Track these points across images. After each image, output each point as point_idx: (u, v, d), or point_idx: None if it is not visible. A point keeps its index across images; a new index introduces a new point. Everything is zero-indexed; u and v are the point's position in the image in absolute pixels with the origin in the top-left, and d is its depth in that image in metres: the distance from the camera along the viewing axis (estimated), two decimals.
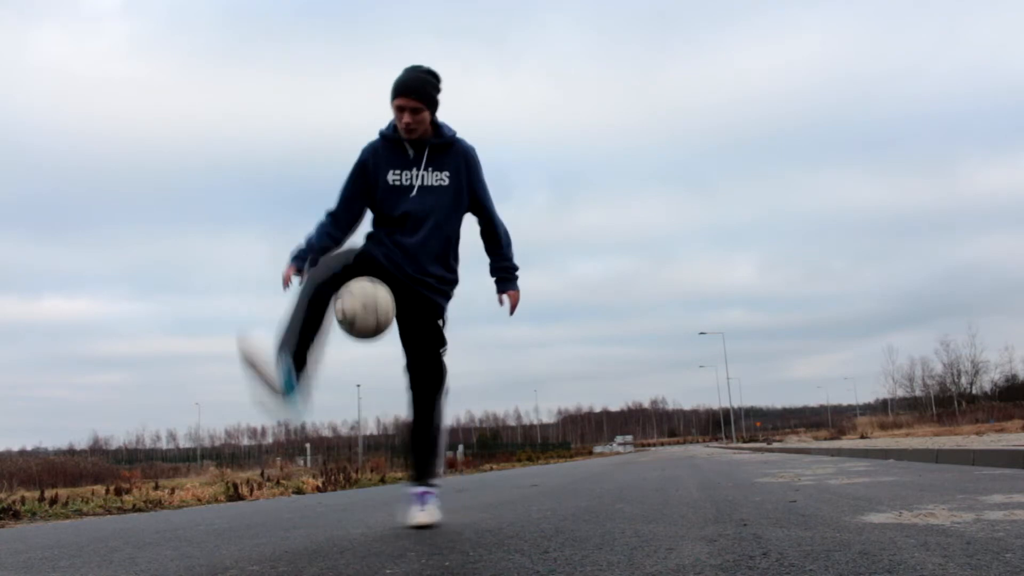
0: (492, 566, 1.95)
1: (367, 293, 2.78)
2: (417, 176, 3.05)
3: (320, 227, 3.10)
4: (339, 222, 3.10)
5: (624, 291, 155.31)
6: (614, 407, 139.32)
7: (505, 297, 3.21)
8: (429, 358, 3.05)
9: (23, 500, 7.22)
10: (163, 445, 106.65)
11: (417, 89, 2.99)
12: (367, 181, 3.06)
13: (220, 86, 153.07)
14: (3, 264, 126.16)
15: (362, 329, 2.78)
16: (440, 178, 3.07)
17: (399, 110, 3.00)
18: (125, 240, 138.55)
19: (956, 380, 65.35)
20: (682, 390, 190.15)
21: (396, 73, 3.03)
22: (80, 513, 6.24)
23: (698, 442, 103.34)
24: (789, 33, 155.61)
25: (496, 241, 3.22)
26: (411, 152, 3.05)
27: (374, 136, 3.14)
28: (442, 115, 3.10)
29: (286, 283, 2.99)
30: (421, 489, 3.06)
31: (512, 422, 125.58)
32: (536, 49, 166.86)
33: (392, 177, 3.03)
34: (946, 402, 63.22)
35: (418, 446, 3.09)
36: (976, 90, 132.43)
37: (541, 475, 10.40)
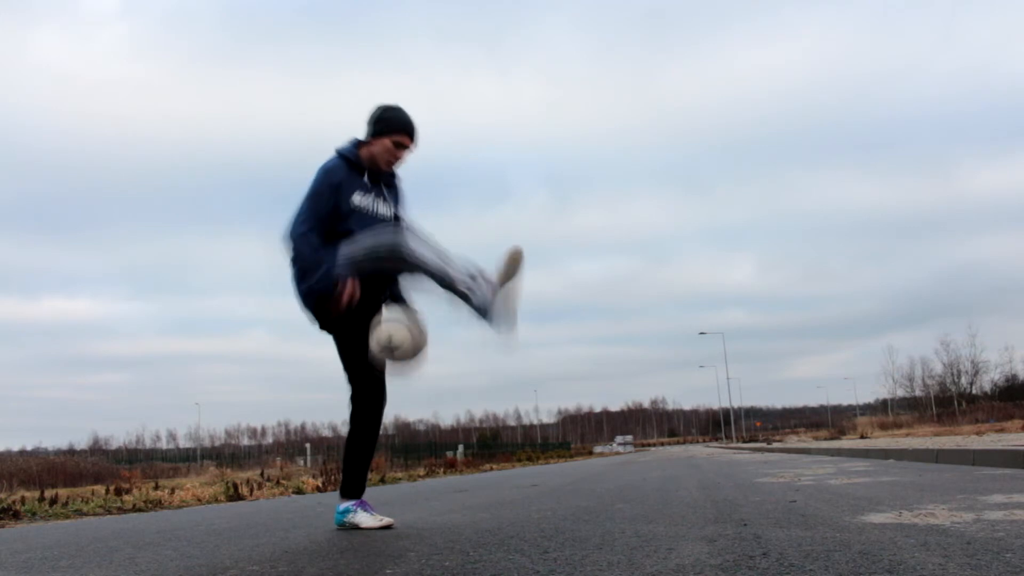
0: (492, 566, 1.95)
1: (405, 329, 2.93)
2: (375, 204, 3.14)
3: (320, 247, 3.00)
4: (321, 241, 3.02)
5: (624, 291, 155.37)
6: (614, 407, 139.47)
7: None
8: (382, 376, 3.12)
9: (23, 500, 7.22)
10: (163, 445, 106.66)
11: (417, 134, 3.17)
12: (335, 200, 3.04)
13: (219, 87, 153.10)
14: (3, 264, 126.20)
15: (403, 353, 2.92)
16: (388, 210, 3.19)
17: (400, 147, 3.13)
18: (125, 240, 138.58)
19: (956, 380, 65.35)
20: (682, 390, 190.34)
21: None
22: (80, 513, 6.24)
23: (698, 442, 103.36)
24: (787, 33, 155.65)
25: None
26: (368, 180, 3.14)
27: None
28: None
29: (351, 301, 2.90)
30: (359, 499, 3.12)
31: (512, 422, 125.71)
32: (534, 50, 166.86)
33: (357, 200, 3.08)
34: (946, 402, 63.21)
35: (363, 461, 3.14)
36: (975, 90, 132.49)
37: (541, 475, 10.40)
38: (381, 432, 3.28)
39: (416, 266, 2.93)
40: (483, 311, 2.94)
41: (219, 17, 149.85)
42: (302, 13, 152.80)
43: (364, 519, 3.06)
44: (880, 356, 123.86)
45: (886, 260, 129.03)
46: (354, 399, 3.08)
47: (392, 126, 3.12)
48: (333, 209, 3.02)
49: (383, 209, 3.16)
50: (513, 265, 2.94)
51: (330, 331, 3.10)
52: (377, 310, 3.08)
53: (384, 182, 3.21)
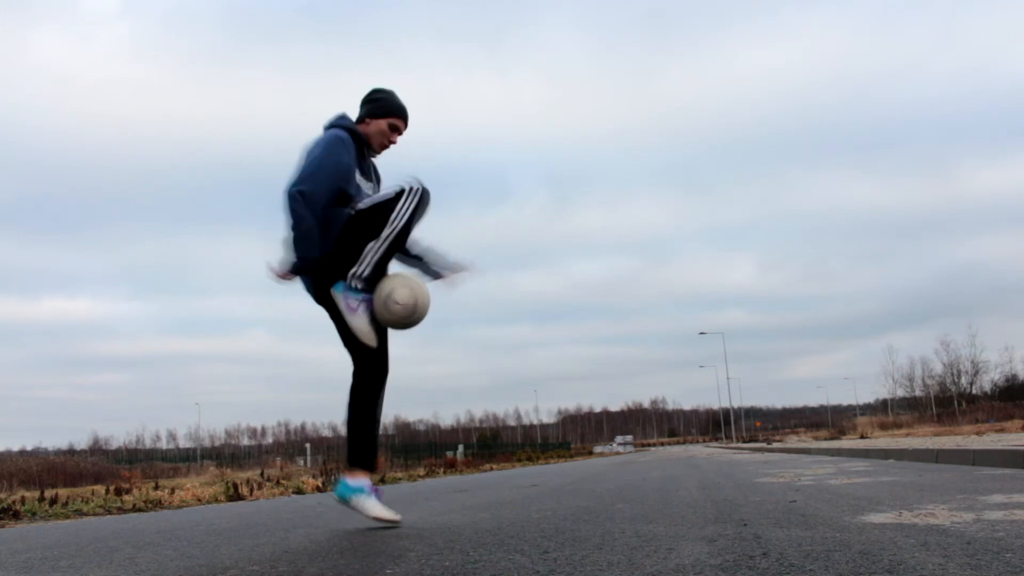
0: (492, 566, 1.94)
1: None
2: (371, 187, 3.15)
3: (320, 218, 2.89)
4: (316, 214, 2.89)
5: (624, 291, 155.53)
6: (614, 407, 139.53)
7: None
8: (385, 345, 3.12)
9: (23, 500, 7.22)
10: (163, 445, 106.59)
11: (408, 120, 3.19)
12: (347, 174, 2.99)
13: (219, 87, 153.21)
14: (3, 264, 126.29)
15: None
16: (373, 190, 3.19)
17: (394, 130, 3.11)
18: (125, 240, 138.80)
19: (956, 380, 65.32)
20: (682, 390, 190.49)
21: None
22: (80, 513, 6.24)
23: (698, 442, 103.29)
24: (787, 33, 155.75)
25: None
26: (364, 162, 3.14)
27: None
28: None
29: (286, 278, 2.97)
30: (373, 483, 3.03)
31: (512, 422, 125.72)
32: (534, 50, 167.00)
33: (359, 179, 3.07)
34: (946, 402, 63.16)
35: (372, 429, 3.04)
36: (975, 90, 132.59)
37: (541, 475, 10.39)
38: (381, 432, 3.26)
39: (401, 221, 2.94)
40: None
41: (219, 17, 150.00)
42: (302, 13, 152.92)
43: (375, 508, 2.92)
44: (880, 356, 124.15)
45: (886, 260, 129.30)
46: (358, 368, 3.01)
47: (389, 109, 3.09)
48: (342, 182, 2.95)
49: (374, 192, 3.18)
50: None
51: (325, 303, 3.05)
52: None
53: (371, 164, 3.21)
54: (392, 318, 2.94)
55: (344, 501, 2.98)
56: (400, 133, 3.14)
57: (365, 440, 3.00)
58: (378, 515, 2.92)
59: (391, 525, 2.96)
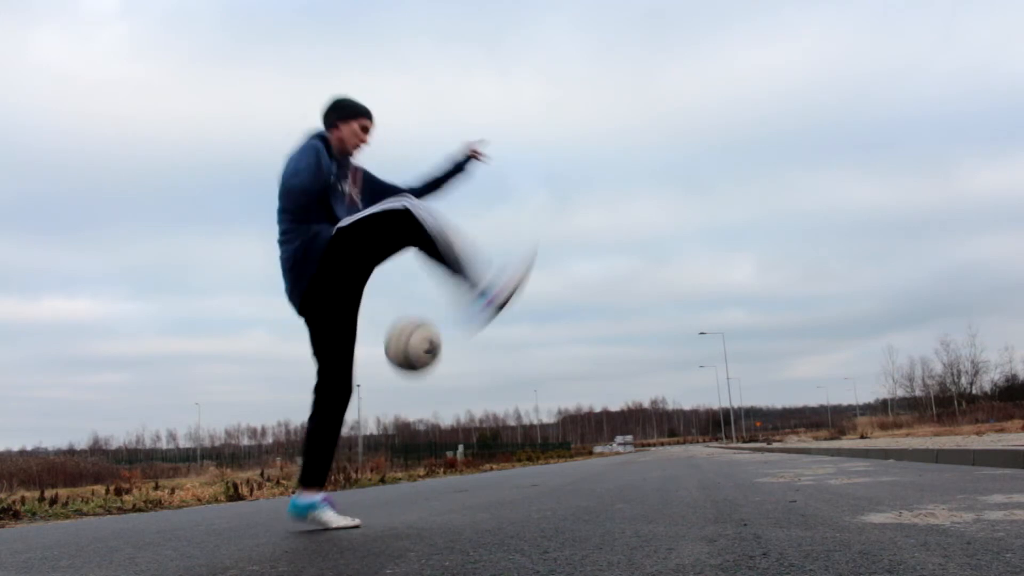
0: (492, 566, 1.94)
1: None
2: (347, 186, 3.19)
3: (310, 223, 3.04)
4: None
5: (624, 291, 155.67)
6: (614, 407, 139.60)
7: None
8: (353, 368, 3.12)
9: (23, 500, 7.23)
10: (163, 445, 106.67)
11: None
12: (325, 176, 3.01)
13: (219, 87, 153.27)
14: (3, 264, 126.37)
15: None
16: (357, 197, 3.23)
17: (365, 130, 3.19)
18: (125, 240, 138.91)
19: (956, 380, 65.34)
20: (682, 390, 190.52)
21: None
22: (80, 513, 6.24)
23: (698, 442, 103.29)
24: (787, 33, 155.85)
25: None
26: (337, 164, 3.15)
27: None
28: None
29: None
30: (326, 494, 3.08)
31: (512, 422, 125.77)
32: (534, 50, 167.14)
33: (333, 179, 3.10)
34: (946, 402, 63.17)
35: (330, 451, 3.11)
36: (975, 90, 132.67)
37: (541, 475, 10.39)
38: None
39: (422, 232, 2.88)
40: (478, 288, 2.90)
41: (219, 17, 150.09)
42: (302, 13, 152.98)
43: (334, 518, 3.02)
44: (880, 356, 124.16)
45: (886, 260, 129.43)
46: (329, 387, 3.03)
47: (357, 110, 3.17)
48: (323, 186, 2.98)
49: (355, 195, 3.20)
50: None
51: (310, 313, 3.05)
52: (361, 294, 3.09)
53: (347, 168, 3.23)
54: (414, 359, 2.93)
55: (300, 518, 3.06)
56: (370, 131, 3.21)
57: (323, 459, 3.09)
58: (339, 525, 3.01)
59: (353, 528, 3.01)
